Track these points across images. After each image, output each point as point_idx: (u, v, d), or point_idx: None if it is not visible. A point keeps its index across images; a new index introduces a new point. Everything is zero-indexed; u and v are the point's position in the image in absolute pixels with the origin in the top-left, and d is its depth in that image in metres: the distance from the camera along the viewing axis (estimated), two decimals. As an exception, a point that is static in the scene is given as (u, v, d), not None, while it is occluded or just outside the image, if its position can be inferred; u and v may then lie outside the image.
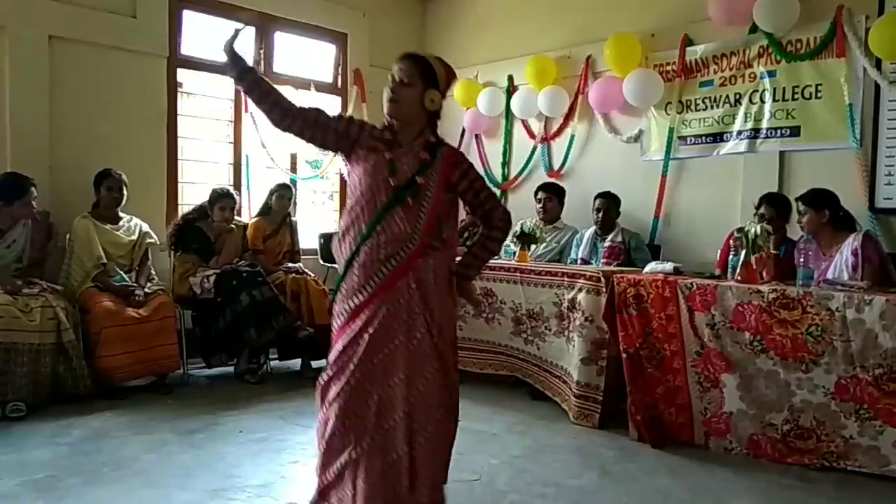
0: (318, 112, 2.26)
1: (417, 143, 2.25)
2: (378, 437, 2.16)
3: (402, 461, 2.14)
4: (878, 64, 3.92)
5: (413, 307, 2.17)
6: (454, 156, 2.29)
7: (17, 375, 3.54)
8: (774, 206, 3.85)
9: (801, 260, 3.26)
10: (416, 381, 2.16)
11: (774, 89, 4.34)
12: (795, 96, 4.27)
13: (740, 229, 3.39)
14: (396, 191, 2.18)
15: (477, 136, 6.04)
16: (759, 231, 3.28)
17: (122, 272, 4.20)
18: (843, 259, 3.42)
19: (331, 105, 5.97)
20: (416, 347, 2.17)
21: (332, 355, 2.22)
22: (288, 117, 2.22)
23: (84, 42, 4.51)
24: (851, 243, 3.41)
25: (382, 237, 2.17)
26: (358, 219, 2.21)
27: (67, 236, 4.16)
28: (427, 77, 2.22)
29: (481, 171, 5.79)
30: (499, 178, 5.86)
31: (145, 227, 4.43)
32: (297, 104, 2.26)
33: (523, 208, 5.24)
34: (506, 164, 5.85)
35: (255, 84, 2.21)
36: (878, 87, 3.96)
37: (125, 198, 4.29)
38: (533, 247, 4.43)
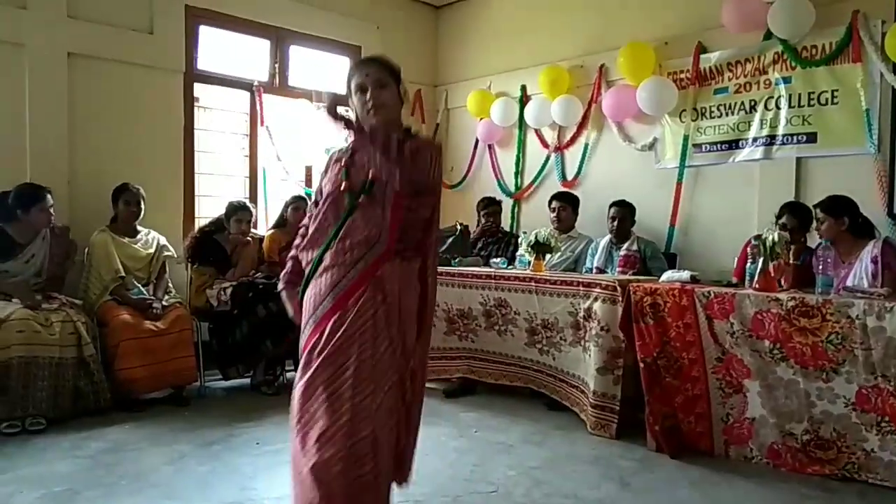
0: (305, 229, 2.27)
1: (370, 146, 2.10)
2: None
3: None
4: (894, 69, 3.88)
5: (378, 320, 2.06)
6: (416, 148, 2.05)
7: (38, 389, 3.57)
8: (796, 216, 3.81)
9: (820, 267, 3.23)
10: (378, 393, 2.04)
11: (790, 95, 4.31)
12: (811, 102, 4.24)
13: (758, 237, 3.36)
14: (350, 193, 2.11)
15: (490, 146, 6.04)
16: (776, 238, 3.25)
17: (139, 285, 4.23)
18: (862, 266, 3.38)
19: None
20: (378, 361, 2.05)
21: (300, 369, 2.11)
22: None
23: (102, 58, 4.58)
24: (871, 250, 3.37)
25: (347, 241, 2.08)
26: (320, 229, 2.15)
27: (86, 250, 4.20)
28: (394, 75, 2.18)
29: (493, 182, 5.91)
30: (512, 188, 5.86)
31: (163, 241, 4.47)
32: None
33: (537, 217, 5.24)
34: (519, 173, 5.85)
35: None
36: (895, 91, 3.92)
37: (143, 212, 4.34)
38: (548, 256, 4.41)
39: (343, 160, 2.19)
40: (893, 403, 2.84)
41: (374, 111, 2.11)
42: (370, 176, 2.09)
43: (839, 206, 3.49)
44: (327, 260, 2.11)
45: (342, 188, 2.12)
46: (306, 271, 2.18)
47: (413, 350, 2.20)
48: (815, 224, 3.64)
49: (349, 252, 2.09)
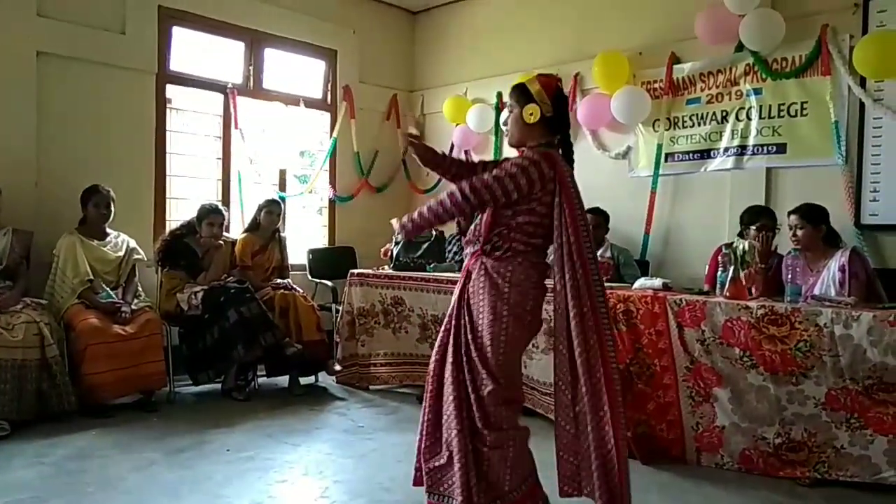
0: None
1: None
2: None
3: None
4: (862, 82, 3.97)
5: (460, 306, 2.47)
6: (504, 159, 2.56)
7: (0, 393, 3.49)
8: (771, 217, 3.89)
9: (789, 276, 3.28)
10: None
11: (761, 107, 4.39)
12: (781, 114, 4.32)
13: (728, 245, 3.41)
14: None
15: (466, 152, 6.05)
16: (747, 247, 3.30)
17: (108, 289, 4.16)
18: (830, 275, 3.44)
19: (319, 121, 5.99)
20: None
21: None
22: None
23: (72, 58, 4.50)
24: (839, 259, 3.43)
25: (470, 236, 2.53)
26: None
27: (53, 252, 4.12)
28: (522, 98, 2.45)
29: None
30: (488, 194, 5.85)
31: (132, 244, 4.40)
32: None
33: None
34: (495, 180, 5.84)
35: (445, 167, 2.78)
36: (862, 105, 4.01)
37: (113, 214, 4.27)
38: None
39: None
40: (863, 401, 2.90)
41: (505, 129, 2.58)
42: None
43: (818, 215, 3.54)
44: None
45: None
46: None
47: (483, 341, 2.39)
48: (789, 231, 3.66)
49: (469, 245, 2.54)
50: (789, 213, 3.63)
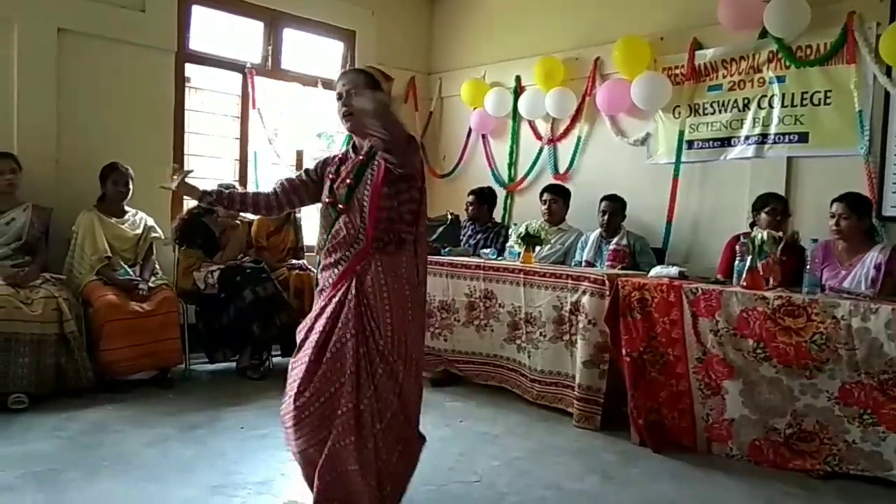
0: (297, 178, 2.58)
1: (366, 149, 2.36)
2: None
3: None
4: (888, 71, 3.89)
5: (358, 308, 2.25)
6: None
7: (19, 366, 3.55)
8: (781, 202, 3.87)
9: (808, 267, 3.23)
10: (364, 378, 2.24)
11: (783, 95, 4.32)
12: (804, 102, 4.25)
13: (746, 234, 3.36)
14: (333, 204, 2.37)
15: (484, 136, 6.03)
16: (765, 237, 3.26)
17: (126, 266, 4.20)
18: (864, 270, 3.36)
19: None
20: (365, 347, 2.26)
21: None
22: (274, 208, 2.59)
23: (92, 35, 4.51)
24: (876, 256, 3.35)
25: (333, 242, 2.35)
26: (321, 232, 2.44)
27: (73, 229, 4.16)
28: (371, 84, 2.30)
29: (486, 172, 5.90)
30: (505, 179, 5.85)
31: (150, 222, 4.43)
32: (277, 185, 2.59)
33: (530, 210, 5.24)
34: (512, 164, 5.83)
35: (221, 201, 2.58)
36: (888, 94, 3.93)
37: (131, 192, 4.30)
38: (537, 248, 4.41)
39: (330, 174, 2.44)
40: (877, 397, 2.87)
41: (343, 121, 2.36)
42: (349, 184, 2.33)
43: (864, 205, 3.46)
44: (322, 258, 2.42)
45: (327, 202, 2.41)
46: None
47: (405, 346, 2.32)
48: (831, 220, 3.51)
49: (334, 251, 2.36)
50: (833, 201, 3.52)
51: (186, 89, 5.06)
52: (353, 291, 2.26)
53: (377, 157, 2.29)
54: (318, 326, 2.30)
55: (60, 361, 3.71)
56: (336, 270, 2.34)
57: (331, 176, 2.43)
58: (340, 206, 2.33)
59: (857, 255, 3.44)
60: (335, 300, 2.29)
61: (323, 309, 2.32)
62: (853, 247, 3.48)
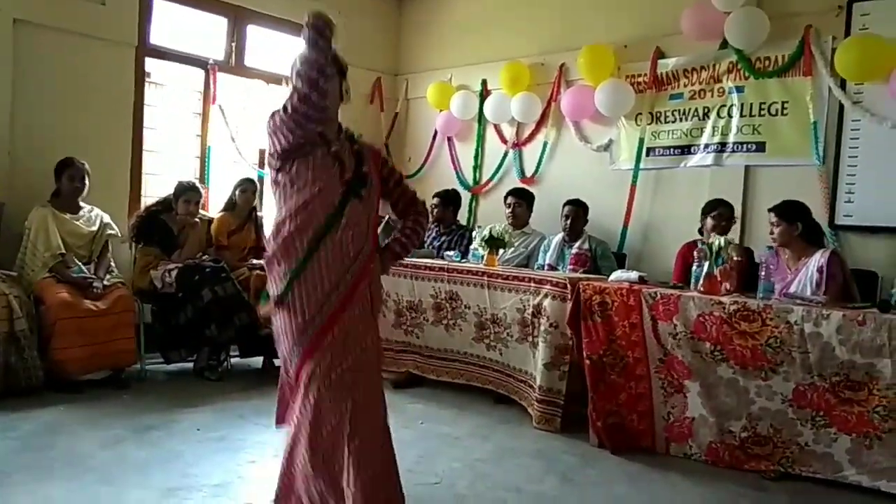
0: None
1: (341, 138, 2.26)
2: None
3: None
4: (842, 84, 4.02)
5: (367, 314, 2.22)
6: (377, 149, 2.42)
7: (-34, 366, 3.44)
8: (728, 207, 3.98)
9: (762, 273, 3.31)
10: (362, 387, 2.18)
11: (742, 104, 4.42)
12: (762, 112, 4.35)
13: (695, 242, 3.43)
14: (349, 183, 2.17)
15: (449, 138, 6.04)
16: (723, 243, 3.33)
17: (80, 263, 4.10)
18: (808, 275, 3.46)
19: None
20: (365, 354, 2.19)
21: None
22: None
23: (50, 27, 4.39)
24: (818, 260, 3.44)
25: (350, 232, 2.14)
26: (313, 214, 2.10)
27: (25, 224, 4.04)
28: (341, 68, 2.25)
29: (451, 174, 5.91)
30: (470, 182, 5.86)
31: (106, 218, 4.33)
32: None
33: (495, 213, 5.26)
34: (477, 167, 5.85)
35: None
36: (841, 106, 4.06)
37: (87, 188, 4.19)
38: (501, 251, 4.43)
39: (332, 147, 2.19)
40: (829, 399, 2.95)
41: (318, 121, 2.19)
42: (364, 171, 2.22)
43: (794, 212, 3.55)
44: (327, 250, 2.11)
45: (344, 177, 2.15)
46: (295, 257, 2.12)
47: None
48: (768, 228, 3.64)
49: (353, 244, 2.15)
50: (769, 210, 3.63)
51: (146, 84, 4.96)
52: (367, 297, 2.27)
53: (366, 153, 2.32)
54: None
55: (10, 360, 3.60)
56: (350, 271, 2.25)
57: (334, 150, 2.31)
58: (363, 192, 2.29)
59: (801, 259, 3.54)
60: (356, 307, 2.26)
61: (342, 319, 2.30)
62: (795, 252, 3.57)
